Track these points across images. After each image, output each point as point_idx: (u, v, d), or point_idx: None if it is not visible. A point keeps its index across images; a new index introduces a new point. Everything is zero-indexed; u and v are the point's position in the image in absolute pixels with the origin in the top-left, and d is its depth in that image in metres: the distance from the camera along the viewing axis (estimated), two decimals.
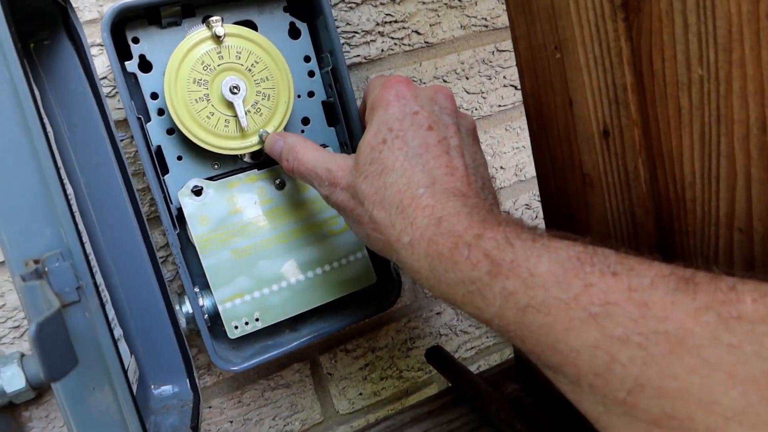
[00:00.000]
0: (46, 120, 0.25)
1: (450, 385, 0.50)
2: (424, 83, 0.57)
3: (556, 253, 0.26)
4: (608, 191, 0.34)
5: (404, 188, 0.33)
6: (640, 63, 0.29)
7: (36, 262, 0.24)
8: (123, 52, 0.42)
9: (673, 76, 0.28)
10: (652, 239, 0.33)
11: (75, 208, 0.30)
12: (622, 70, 0.31)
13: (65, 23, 0.37)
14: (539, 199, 0.65)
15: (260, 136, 0.44)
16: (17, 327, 0.45)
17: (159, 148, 0.44)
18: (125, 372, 0.26)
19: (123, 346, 0.37)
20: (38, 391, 0.43)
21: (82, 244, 0.25)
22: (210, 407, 0.53)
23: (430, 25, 0.56)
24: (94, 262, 0.35)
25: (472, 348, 0.64)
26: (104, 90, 0.42)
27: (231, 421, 0.54)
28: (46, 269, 0.24)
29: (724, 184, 0.27)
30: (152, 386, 0.41)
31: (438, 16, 0.56)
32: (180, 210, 0.44)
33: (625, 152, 0.32)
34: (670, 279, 0.22)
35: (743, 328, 0.20)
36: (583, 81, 0.33)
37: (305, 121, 0.48)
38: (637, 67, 0.30)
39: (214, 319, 0.46)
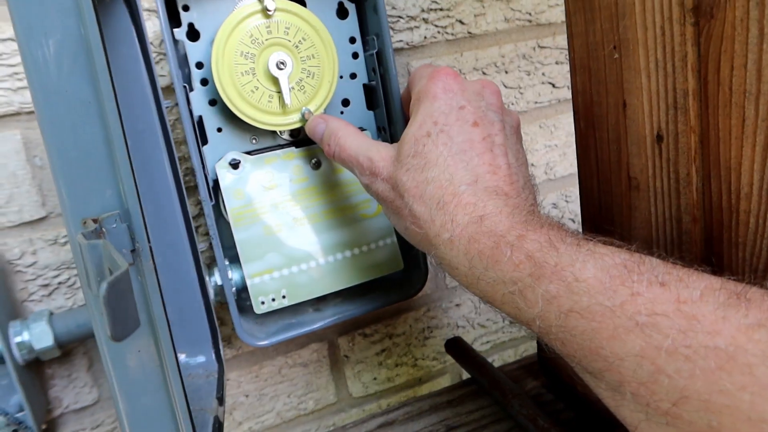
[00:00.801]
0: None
1: (464, 377, 0.50)
2: (464, 74, 0.56)
3: (601, 259, 0.26)
4: (655, 196, 0.34)
5: (446, 184, 0.33)
6: (705, 69, 0.29)
7: (94, 221, 0.24)
8: (171, 19, 0.41)
9: (741, 85, 0.27)
10: (698, 248, 0.33)
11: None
12: (685, 75, 0.30)
13: None
14: (567, 199, 0.65)
15: (302, 114, 0.44)
16: (46, 285, 0.46)
17: (200, 118, 0.44)
18: (172, 337, 0.26)
19: None
20: (63, 350, 0.43)
21: (141, 207, 0.25)
22: (228, 379, 0.53)
23: (475, 16, 0.56)
24: None
25: (488, 342, 0.64)
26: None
27: (247, 395, 0.54)
28: (104, 230, 0.24)
29: None
30: (179, 355, 0.41)
31: (483, 7, 0.56)
32: (216, 182, 0.44)
33: (678, 158, 0.32)
34: (720, 293, 0.22)
35: None
36: (640, 83, 0.33)
37: (345, 102, 0.48)
38: (701, 73, 0.29)
39: (241, 293, 0.46)
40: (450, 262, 0.32)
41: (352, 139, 0.39)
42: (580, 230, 0.42)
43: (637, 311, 0.23)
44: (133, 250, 0.25)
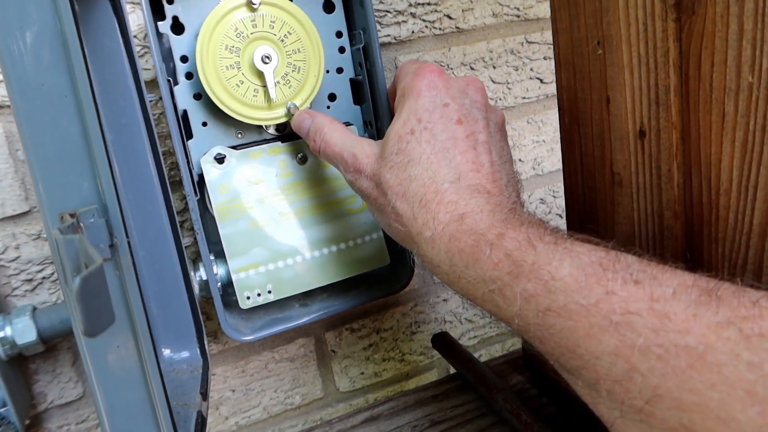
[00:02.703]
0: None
1: (451, 372, 0.50)
2: (452, 69, 0.56)
3: (578, 257, 0.26)
4: (638, 192, 0.34)
5: (428, 182, 0.33)
6: (687, 65, 0.29)
7: (72, 216, 0.24)
8: (155, 12, 0.41)
9: (721, 81, 0.27)
10: (679, 243, 0.33)
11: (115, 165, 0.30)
12: (667, 71, 0.30)
13: None
14: (554, 194, 0.65)
15: (288, 109, 0.44)
16: (30, 280, 0.45)
17: (185, 112, 0.43)
18: (152, 333, 0.26)
19: None
20: (47, 346, 0.43)
21: (119, 201, 0.25)
22: (214, 375, 0.53)
23: (463, 11, 0.56)
24: None
25: (475, 337, 0.65)
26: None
27: (233, 390, 0.54)
28: (81, 224, 0.24)
29: (761, 194, 0.27)
30: (163, 350, 0.41)
31: (471, 2, 0.56)
32: (201, 176, 0.44)
33: (660, 154, 0.32)
34: (692, 290, 0.22)
35: (764, 347, 0.20)
36: (623, 79, 0.33)
37: (332, 97, 0.48)
38: (683, 69, 0.29)
39: (226, 288, 0.46)
40: (432, 260, 0.32)
41: (338, 135, 0.39)
42: (566, 226, 0.42)
43: (612, 310, 0.23)
44: (111, 245, 0.25)
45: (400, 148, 0.35)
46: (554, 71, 0.61)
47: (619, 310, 0.23)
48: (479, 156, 0.34)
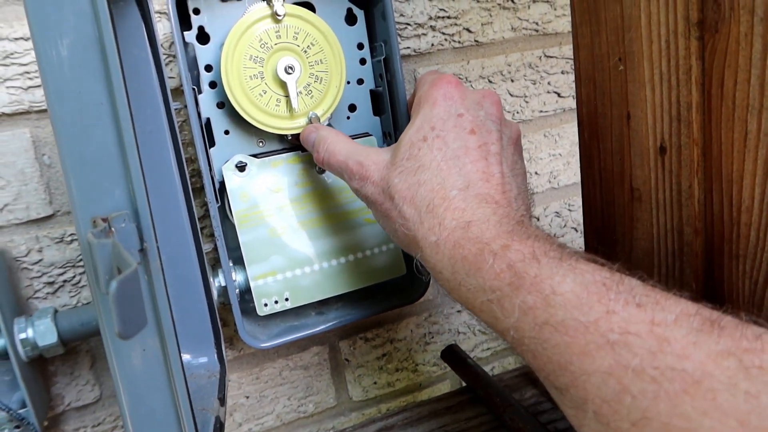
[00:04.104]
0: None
1: (464, 384, 0.50)
2: (470, 82, 0.57)
3: (581, 275, 0.26)
4: (657, 208, 0.34)
5: (437, 188, 0.33)
6: (709, 83, 0.29)
7: (104, 220, 0.25)
8: (182, 21, 0.42)
9: (744, 100, 0.28)
10: (699, 260, 0.33)
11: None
12: (689, 89, 0.31)
13: None
14: (570, 208, 0.65)
15: (309, 119, 0.44)
16: (52, 283, 0.46)
17: (208, 120, 0.44)
18: (177, 337, 0.26)
19: None
20: (67, 348, 0.43)
21: (150, 207, 0.25)
22: (228, 381, 0.53)
23: (482, 24, 0.56)
24: None
25: (488, 349, 0.65)
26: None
27: (247, 396, 0.55)
28: (113, 229, 0.25)
29: None
30: (182, 355, 0.41)
31: (490, 15, 0.56)
32: (222, 183, 0.45)
33: (680, 170, 0.32)
34: (695, 318, 0.22)
35: (763, 379, 0.20)
36: (644, 95, 0.33)
37: (352, 108, 0.48)
38: (705, 86, 0.30)
39: (244, 294, 0.46)
40: (435, 266, 0.32)
41: (342, 145, 0.40)
42: (583, 239, 0.42)
43: (610, 329, 0.23)
44: (141, 250, 0.25)
45: (411, 154, 0.35)
46: (572, 85, 0.61)
47: (618, 329, 0.23)
48: (490, 166, 0.34)
